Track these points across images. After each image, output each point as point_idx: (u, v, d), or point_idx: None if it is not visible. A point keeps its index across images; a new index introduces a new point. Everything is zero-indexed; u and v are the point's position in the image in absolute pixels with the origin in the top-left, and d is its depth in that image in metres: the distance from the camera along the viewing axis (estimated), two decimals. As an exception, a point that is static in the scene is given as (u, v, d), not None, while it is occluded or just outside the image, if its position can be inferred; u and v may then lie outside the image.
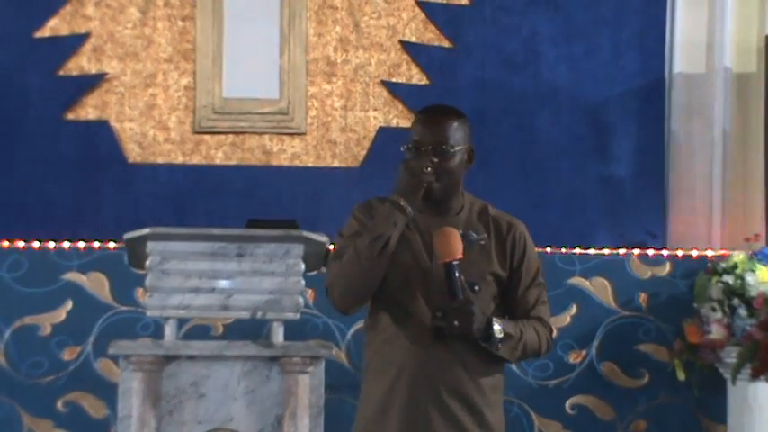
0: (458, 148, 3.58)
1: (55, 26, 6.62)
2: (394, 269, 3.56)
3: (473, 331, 3.43)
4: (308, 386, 4.95)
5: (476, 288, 3.52)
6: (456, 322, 3.41)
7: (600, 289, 6.56)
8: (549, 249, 6.55)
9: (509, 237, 3.62)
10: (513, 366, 6.43)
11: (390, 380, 3.57)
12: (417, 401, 3.52)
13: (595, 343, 6.54)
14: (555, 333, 3.78)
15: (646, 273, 6.60)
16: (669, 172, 6.86)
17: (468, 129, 3.65)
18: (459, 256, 3.45)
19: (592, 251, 6.58)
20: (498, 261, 3.59)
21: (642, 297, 6.57)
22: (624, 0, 6.85)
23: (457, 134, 3.58)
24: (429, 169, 3.51)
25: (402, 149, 3.61)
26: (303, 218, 5.43)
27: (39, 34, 6.59)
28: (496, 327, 3.48)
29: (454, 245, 3.45)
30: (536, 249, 3.74)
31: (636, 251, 6.61)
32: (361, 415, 3.66)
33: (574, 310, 6.54)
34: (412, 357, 3.53)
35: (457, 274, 3.43)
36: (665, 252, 6.64)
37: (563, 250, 6.55)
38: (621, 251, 6.60)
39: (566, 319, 6.54)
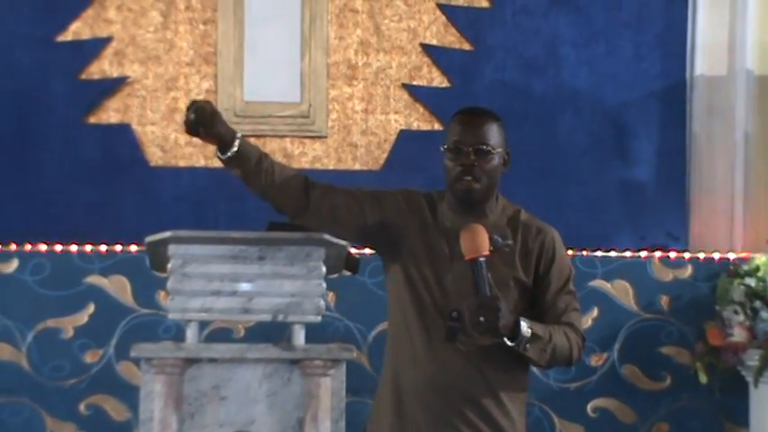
0: (497, 150, 3.58)
1: (77, 30, 6.65)
2: (414, 267, 3.58)
3: (499, 328, 3.39)
4: (330, 389, 4.95)
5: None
6: (482, 318, 3.37)
7: (621, 292, 6.54)
8: (569, 252, 6.53)
9: (537, 243, 3.61)
10: (535, 369, 6.42)
11: (403, 385, 3.57)
12: (430, 409, 3.52)
13: (617, 346, 6.53)
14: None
15: (667, 275, 6.58)
16: (690, 174, 6.85)
17: (505, 132, 3.65)
18: (486, 252, 3.42)
19: (613, 254, 6.58)
20: (522, 267, 3.58)
21: (664, 300, 6.56)
22: (645, 2, 6.84)
23: (496, 136, 3.60)
24: (473, 178, 3.54)
25: (441, 149, 3.59)
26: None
27: (61, 38, 6.62)
28: (524, 325, 3.45)
29: (480, 241, 3.43)
30: (567, 257, 3.72)
31: (657, 254, 6.60)
32: (372, 418, 3.68)
33: (595, 312, 6.53)
34: (426, 362, 3.53)
35: (483, 271, 3.41)
36: (686, 254, 6.63)
37: (584, 253, 6.54)
38: (643, 254, 6.59)
39: (587, 321, 6.52)
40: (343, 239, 3.92)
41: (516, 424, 3.59)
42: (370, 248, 3.86)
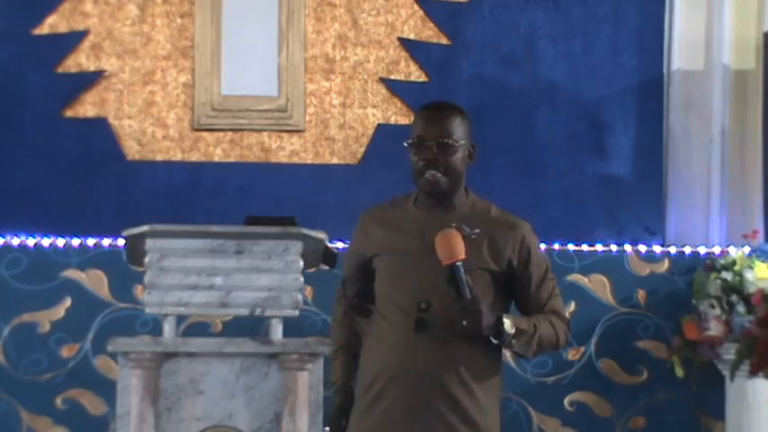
0: (461, 143, 3.61)
1: (53, 23, 6.62)
2: (386, 262, 3.63)
3: (482, 330, 3.44)
4: (307, 383, 4.94)
5: None
6: (465, 322, 3.41)
7: (598, 286, 6.56)
8: (547, 246, 6.56)
9: (509, 238, 3.63)
10: (512, 363, 6.44)
11: (374, 376, 3.62)
12: (400, 398, 3.54)
13: (594, 340, 6.54)
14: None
15: (644, 270, 6.60)
16: (667, 169, 6.87)
17: (470, 125, 3.67)
18: (462, 256, 3.46)
19: (590, 248, 6.59)
20: (491, 257, 3.59)
21: (641, 294, 6.58)
22: (623, -3, 6.87)
23: (459, 129, 3.62)
24: (437, 171, 3.58)
25: (405, 145, 3.64)
26: (302, 215, 5.41)
27: (37, 31, 6.59)
28: (507, 322, 3.49)
29: (456, 246, 3.46)
30: (541, 248, 3.77)
31: (634, 248, 6.62)
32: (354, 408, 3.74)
33: (572, 306, 6.54)
34: (396, 353, 3.56)
35: (462, 274, 3.44)
36: (663, 249, 6.64)
37: (562, 247, 6.56)
38: (620, 248, 6.61)
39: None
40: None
41: (488, 414, 3.61)
42: None
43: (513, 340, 3.51)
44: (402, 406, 3.53)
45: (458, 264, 3.44)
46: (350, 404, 3.71)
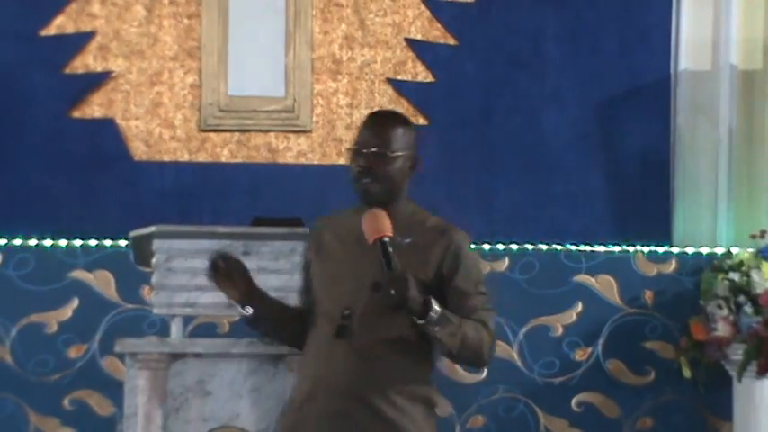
0: (399, 154, 3.56)
1: (61, 24, 6.62)
2: (320, 268, 3.62)
3: (409, 298, 3.36)
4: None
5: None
6: (392, 291, 3.36)
7: (606, 286, 6.56)
8: (554, 247, 6.56)
9: (439, 245, 3.56)
10: (519, 363, 6.45)
11: (301, 386, 3.60)
12: (321, 408, 3.51)
13: (601, 340, 6.54)
14: (495, 346, 3.66)
15: (652, 270, 6.60)
16: (675, 169, 6.85)
17: (415, 137, 3.65)
18: (389, 233, 3.44)
19: (597, 248, 6.58)
20: (419, 265, 3.52)
21: (648, 294, 6.58)
22: (630, -3, 6.86)
23: (400, 140, 3.57)
24: (371, 179, 3.55)
25: (346, 149, 3.65)
26: (309, 216, 5.43)
27: (44, 32, 6.59)
28: (435, 306, 3.42)
29: (383, 222, 3.46)
30: (476, 259, 3.68)
31: (642, 248, 6.61)
32: (285, 409, 3.76)
33: (579, 307, 6.54)
34: (318, 362, 3.53)
35: (389, 249, 3.42)
36: (670, 249, 6.64)
37: (569, 248, 6.56)
38: (627, 248, 6.60)
39: (571, 316, 6.54)
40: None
41: (416, 420, 3.55)
42: None
43: (437, 327, 3.43)
44: (320, 416, 3.50)
45: (385, 239, 3.42)
46: (257, 298, 3.61)
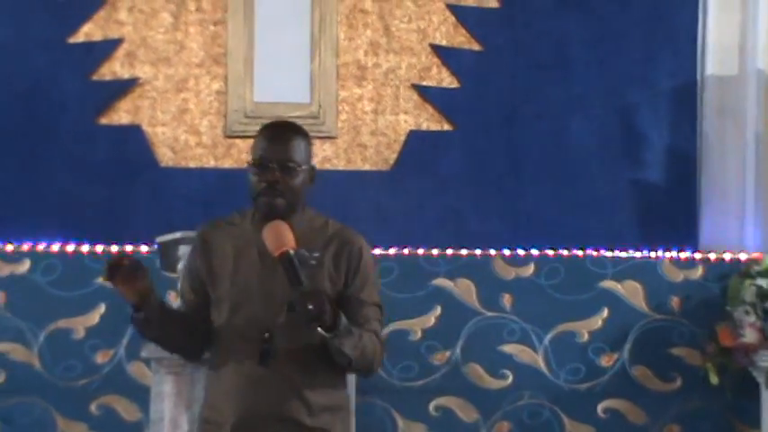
0: (303, 167, 3.53)
1: (89, 31, 6.66)
2: (225, 288, 3.53)
3: (326, 313, 3.31)
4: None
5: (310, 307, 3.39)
6: (310, 306, 3.29)
7: (632, 292, 6.54)
8: (579, 252, 6.54)
9: (344, 252, 3.54)
10: (544, 369, 6.44)
11: (222, 409, 3.51)
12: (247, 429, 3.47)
13: (627, 346, 6.52)
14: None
15: (678, 276, 6.58)
16: (701, 174, 6.83)
17: (311, 149, 3.61)
18: (293, 245, 3.37)
19: (623, 254, 6.57)
20: (331, 279, 3.51)
21: (674, 300, 6.55)
22: (656, 2, 6.82)
23: (302, 152, 3.54)
24: (277, 194, 3.48)
25: (246, 164, 3.55)
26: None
27: (72, 39, 6.63)
28: (342, 317, 3.39)
29: (285, 235, 3.39)
30: (373, 268, 3.64)
31: (668, 254, 6.59)
32: None
33: (605, 313, 6.53)
34: (242, 384, 3.46)
35: (296, 262, 3.35)
36: (697, 255, 6.62)
37: (594, 253, 6.54)
38: (653, 254, 6.58)
39: (597, 322, 6.53)
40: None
41: (336, 423, 3.55)
42: None
43: (343, 340, 3.39)
44: None
45: (290, 252, 3.36)
46: (151, 301, 3.46)
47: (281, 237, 3.39)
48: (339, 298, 3.50)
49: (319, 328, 3.36)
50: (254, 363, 3.43)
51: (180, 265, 5.11)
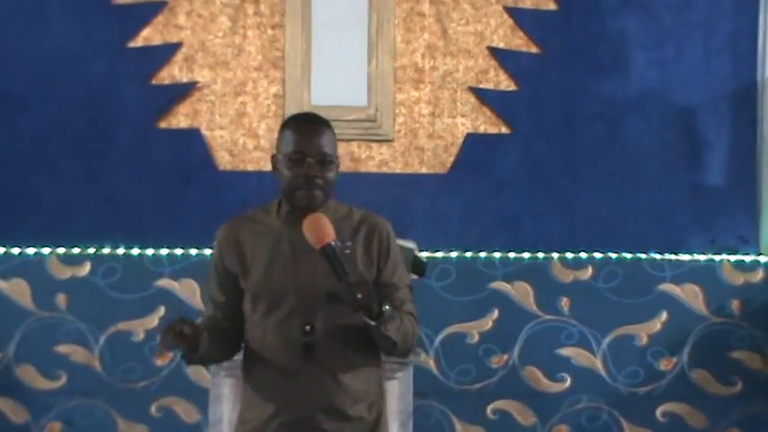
0: (336, 158, 3.53)
1: (148, 36, 6.70)
2: (259, 285, 3.50)
3: (373, 301, 3.30)
4: (397, 392, 4.95)
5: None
6: (359, 295, 3.28)
7: (691, 295, 6.49)
8: (638, 255, 6.51)
9: (374, 238, 3.54)
10: (603, 373, 6.41)
11: (266, 403, 3.50)
12: (293, 425, 3.47)
13: (687, 350, 6.48)
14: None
15: (738, 279, 6.52)
16: (761, 176, 6.77)
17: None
18: (333, 236, 3.36)
19: (682, 257, 6.53)
20: (365, 265, 3.51)
21: (735, 304, 6.50)
22: (715, 3, 6.77)
23: (334, 145, 3.54)
24: (316, 188, 3.47)
25: (281, 159, 3.52)
26: (391, 224, 5.47)
27: (132, 44, 6.68)
28: (385, 304, 3.38)
29: (325, 226, 3.38)
30: (399, 250, 3.64)
31: (728, 257, 6.54)
32: None
33: (664, 316, 6.49)
34: (285, 379, 3.46)
35: (338, 252, 3.35)
36: (758, 258, 6.56)
37: (653, 256, 6.50)
38: (713, 257, 6.53)
39: (656, 325, 6.49)
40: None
41: (373, 409, 3.55)
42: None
43: (389, 325, 3.37)
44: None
45: (331, 243, 3.35)
46: (193, 337, 3.41)
47: (321, 228, 3.39)
48: (373, 284, 3.47)
49: (366, 318, 3.36)
50: (295, 356, 3.44)
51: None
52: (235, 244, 3.57)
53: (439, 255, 6.37)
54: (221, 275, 3.60)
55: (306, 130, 3.52)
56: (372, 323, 3.36)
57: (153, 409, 6.39)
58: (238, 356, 5.08)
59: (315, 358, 3.43)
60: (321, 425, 3.47)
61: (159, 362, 6.39)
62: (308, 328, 3.42)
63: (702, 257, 6.55)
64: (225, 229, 3.62)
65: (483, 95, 6.73)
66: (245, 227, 3.59)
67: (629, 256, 6.52)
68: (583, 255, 6.52)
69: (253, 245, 3.54)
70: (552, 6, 6.74)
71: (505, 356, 6.48)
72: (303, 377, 3.45)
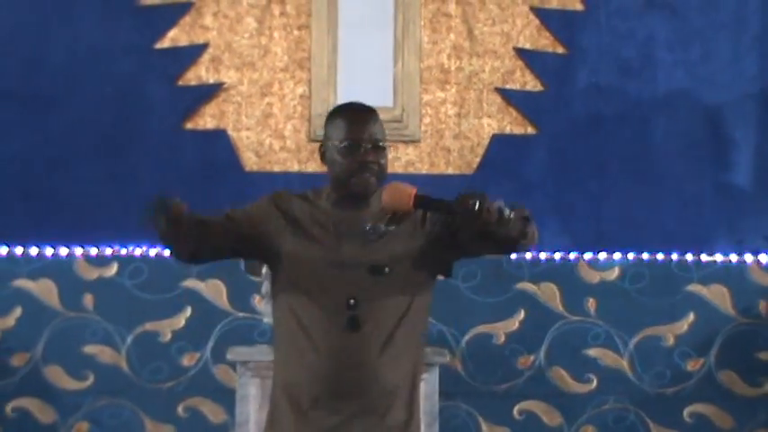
0: (387, 145, 3.56)
1: (174, 37, 6.72)
2: (300, 266, 3.50)
3: (486, 195, 3.25)
4: (423, 393, 4.96)
5: (386, 270, 3.44)
6: (473, 202, 3.21)
7: (718, 296, 6.47)
8: (665, 256, 6.50)
9: (411, 216, 3.51)
10: (629, 374, 6.40)
11: (304, 379, 3.47)
12: (331, 407, 3.45)
13: (714, 351, 6.46)
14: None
15: (766, 280, 6.50)
16: (789, 177, 6.75)
17: None
18: (415, 190, 3.33)
19: (709, 258, 6.51)
20: (413, 237, 3.50)
21: (762, 304, 6.48)
22: (742, 3, 6.75)
23: (384, 130, 3.57)
24: (372, 174, 3.48)
25: (332, 147, 3.52)
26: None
27: (159, 45, 6.69)
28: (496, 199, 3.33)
29: (405, 188, 3.34)
30: None
31: (755, 258, 6.51)
32: (274, 419, 3.57)
33: (691, 317, 6.47)
34: (327, 354, 3.43)
35: (430, 196, 3.32)
36: (786, 258, 6.55)
37: (680, 257, 6.49)
38: (740, 258, 6.51)
39: (683, 326, 6.47)
40: (228, 257, 3.82)
41: (414, 412, 3.53)
42: (261, 260, 3.74)
43: (507, 209, 3.30)
44: (334, 417, 3.45)
45: (419, 194, 3.32)
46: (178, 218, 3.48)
47: (403, 189, 3.35)
48: (443, 235, 3.45)
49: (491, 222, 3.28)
50: (337, 332, 3.43)
51: (263, 269, 5.15)
52: (282, 209, 3.58)
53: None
54: (251, 216, 3.62)
55: (358, 117, 3.55)
56: (503, 221, 3.28)
57: (180, 409, 6.41)
58: (265, 357, 5.10)
59: (360, 329, 3.42)
60: (374, 404, 3.46)
61: (186, 362, 6.41)
62: (351, 302, 3.43)
63: (730, 258, 6.53)
64: (276, 195, 3.65)
65: (509, 96, 6.72)
66: (295, 201, 3.60)
67: (656, 256, 6.50)
68: (610, 256, 6.51)
69: (300, 218, 3.55)
70: (579, 7, 6.73)
71: (532, 357, 6.48)
72: (346, 352, 3.43)
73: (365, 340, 3.44)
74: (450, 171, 6.70)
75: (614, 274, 6.50)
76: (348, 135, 3.51)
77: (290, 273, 3.53)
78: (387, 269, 3.45)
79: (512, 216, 3.34)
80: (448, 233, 3.46)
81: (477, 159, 6.68)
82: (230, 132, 6.70)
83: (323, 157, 3.60)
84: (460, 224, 3.32)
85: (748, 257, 6.52)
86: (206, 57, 6.72)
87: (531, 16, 6.73)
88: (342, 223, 3.50)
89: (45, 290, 6.43)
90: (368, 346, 3.44)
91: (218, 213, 3.68)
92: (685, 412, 6.45)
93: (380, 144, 3.51)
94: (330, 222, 3.52)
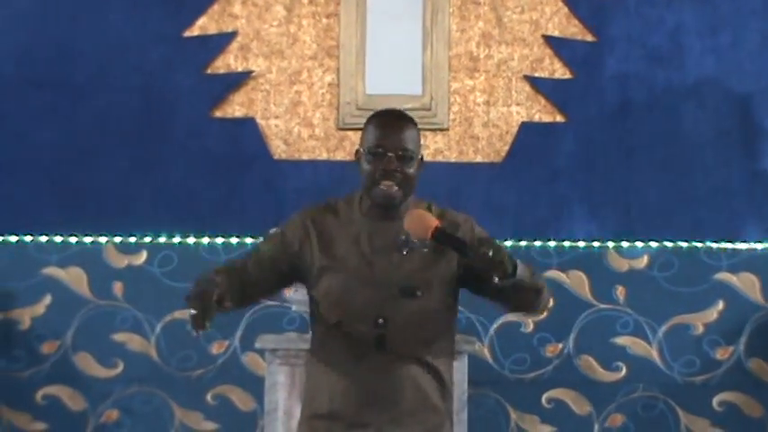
0: (417, 155, 3.49)
1: (203, 25, 6.74)
2: (333, 277, 3.47)
3: (503, 250, 3.26)
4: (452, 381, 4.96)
5: (418, 293, 3.40)
6: (486, 251, 3.23)
7: (747, 284, 6.45)
8: (694, 244, 6.47)
9: (458, 233, 3.46)
10: (658, 362, 6.38)
11: (336, 395, 3.46)
12: (364, 422, 3.43)
13: (743, 339, 6.44)
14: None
15: (796, 268, 6.49)
16: (820, 164, 6.71)
17: (420, 138, 3.56)
18: (436, 222, 3.33)
19: (739, 246, 6.48)
20: (446, 262, 3.47)
21: (792, 293, 6.47)
22: (772, -10, 6.72)
23: (417, 142, 3.50)
24: (394, 183, 3.43)
25: (363, 153, 3.48)
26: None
27: (187, 33, 6.71)
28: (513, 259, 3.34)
29: (427, 219, 3.35)
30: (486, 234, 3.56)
31: (786, 246, 6.50)
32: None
33: (720, 305, 6.45)
34: (358, 372, 3.43)
35: (449, 232, 3.32)
36: (816, 246, 6.52)
37: (709, 245, 6.47)
38: (770, 246, 6.50)
39: (712, 314, 6.45)
40: (278, 289, 3.77)
41: (445, 415, 3.53)
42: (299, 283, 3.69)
43: (519, 270, 3.30)
44: (374, 425, 3.44)
45: (438, 227, 3.31)
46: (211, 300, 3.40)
47: (425, 219, 3.36)
48: (470, 269, 3.42)
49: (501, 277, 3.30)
50: (367, 349, 3.42)
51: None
52: (313, 227, 3.54)
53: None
54: (285, 245, 3.55)
55: (388, 124, 3.50)
56: (506, 282, 3.30)
57: (209, 397, 6.43)
58: (294, 345, 5.11)
59: (387, 349, 3.41)
60: (400, 420, 3.44)
61: (215, 350, 6.43)
62: (380, 320, 3.41)
63: (759, 246, 6.50)
64: (307, 212, 3.59)
65: (538, 84, 6.71)
66: (326, 216, 3.56)
67: (685, 244, 6.49)
68: (638, 244, 6.50)
69: (332, 234, 3.52)
70: (608, -7, 6.71)
71: (560, 345, 6.47)
72: (377, 370, 3.42)
73: (392, 359, 3.43)
74: (479, 159, 6.69)
75: (643, 262, 6.49)
76: (375, 142, 3.47)
77: (321, 289, 3.51)
78: (419, 293, 3.42)
79: (523, 281, 3.35)
80: (473, 273, 3.42)
81: (506, 147, 6.67)
82: (259, 120, 6.71)
83: (359, 163, 3.56)
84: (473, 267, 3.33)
85: (778, 245, 6.50)
86: (235, 45, 6.73)
87: (560, 4, 6.71)
88: (373, 236, 3.48)
89: (75, 278, 6.47)
90: (395, 364, 3.43)
91: (249, 256, 3.63)
92: (714, 401, 6.43)
93: (408, 154, 3.45)
94: (361, 235, 3.49)
